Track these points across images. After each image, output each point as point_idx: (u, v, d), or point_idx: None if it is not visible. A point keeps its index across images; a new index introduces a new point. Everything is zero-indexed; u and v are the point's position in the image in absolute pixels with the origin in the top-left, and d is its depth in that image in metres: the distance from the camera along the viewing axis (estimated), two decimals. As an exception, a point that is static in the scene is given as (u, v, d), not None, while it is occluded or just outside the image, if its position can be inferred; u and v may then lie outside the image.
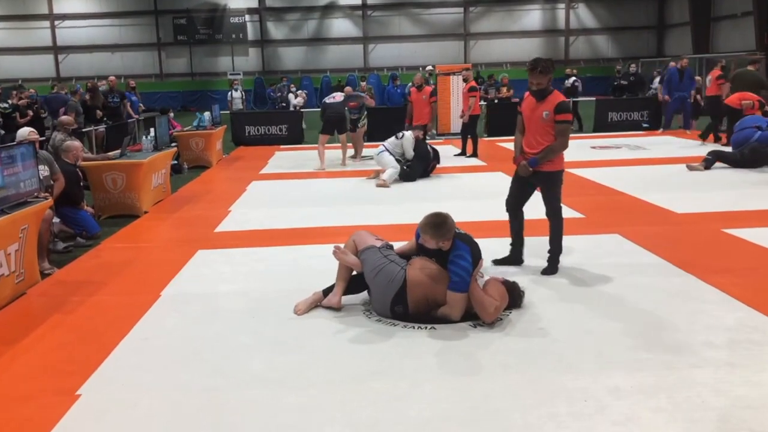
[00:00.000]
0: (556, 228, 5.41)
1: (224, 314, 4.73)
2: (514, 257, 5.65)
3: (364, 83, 17.85)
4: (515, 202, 5.58)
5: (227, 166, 13.18)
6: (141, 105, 17.63)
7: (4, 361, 4.04)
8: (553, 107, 5.13)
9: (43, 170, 6.42)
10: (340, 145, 12.45)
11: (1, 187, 5.10)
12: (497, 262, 5.62)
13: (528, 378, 3.60)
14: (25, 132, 6.88)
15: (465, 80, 13.55)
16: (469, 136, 12.97)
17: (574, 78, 18.66)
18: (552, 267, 5.41)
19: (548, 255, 5.44)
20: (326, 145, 12.10)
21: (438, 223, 4.34)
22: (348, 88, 15.19)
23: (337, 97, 12.42)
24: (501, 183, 9.97)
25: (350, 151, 13.18)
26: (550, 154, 5.20)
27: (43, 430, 3.18)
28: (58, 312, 4.88)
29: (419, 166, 10.44)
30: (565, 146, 5.21)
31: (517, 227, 5.61)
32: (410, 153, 10.34)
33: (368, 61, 35.17)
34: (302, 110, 19.04)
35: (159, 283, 5.43)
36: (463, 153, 13.04)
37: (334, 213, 8.05)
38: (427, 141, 11.48)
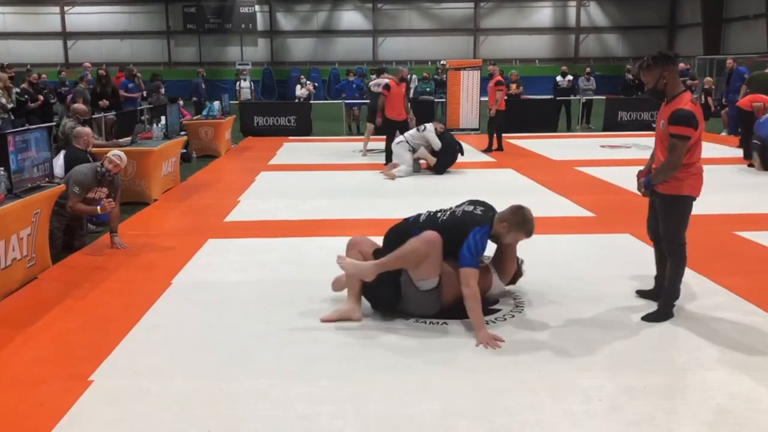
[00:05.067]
0: (672, 267, 4.37)
1: (236, 303, 4.73)
2: (658, 291, 4.64)
3: (374, 76, 17.75)
4: (652, 226, 4.61)
5: (236, 156, 13.17)
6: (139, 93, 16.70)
7: (16, 345, 4.05)
8: (668, 115, 4.15)
9: (102, 192, 6.16)
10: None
11: (15, 171, 5.11)
12: (641, 294, 4.80)
13: (541, 375, 3.58)
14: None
15: (491, 75, 13.57)
16: (494, 131, 13.09)
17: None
18: (659, 312, 4.38)
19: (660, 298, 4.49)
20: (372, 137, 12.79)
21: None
22: None
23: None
24: (510, 180, 10.01)
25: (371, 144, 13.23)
26: (659, 175, 4.24)
27: (56, 415, 3.19)
28: (69, 297, 4.88)
29: (447, 157, 10.43)
30: (675, 167, 4.14)
31: (659, 256, 4.63)
32: (437, 143, 10.27)
33: (377, 54, 35.06)
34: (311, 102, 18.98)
35: (170, 271, 5.43)
36: (489, 149, 13.11)
37: (343, 205, 8.04)
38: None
